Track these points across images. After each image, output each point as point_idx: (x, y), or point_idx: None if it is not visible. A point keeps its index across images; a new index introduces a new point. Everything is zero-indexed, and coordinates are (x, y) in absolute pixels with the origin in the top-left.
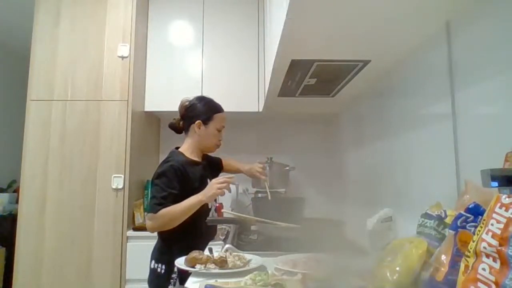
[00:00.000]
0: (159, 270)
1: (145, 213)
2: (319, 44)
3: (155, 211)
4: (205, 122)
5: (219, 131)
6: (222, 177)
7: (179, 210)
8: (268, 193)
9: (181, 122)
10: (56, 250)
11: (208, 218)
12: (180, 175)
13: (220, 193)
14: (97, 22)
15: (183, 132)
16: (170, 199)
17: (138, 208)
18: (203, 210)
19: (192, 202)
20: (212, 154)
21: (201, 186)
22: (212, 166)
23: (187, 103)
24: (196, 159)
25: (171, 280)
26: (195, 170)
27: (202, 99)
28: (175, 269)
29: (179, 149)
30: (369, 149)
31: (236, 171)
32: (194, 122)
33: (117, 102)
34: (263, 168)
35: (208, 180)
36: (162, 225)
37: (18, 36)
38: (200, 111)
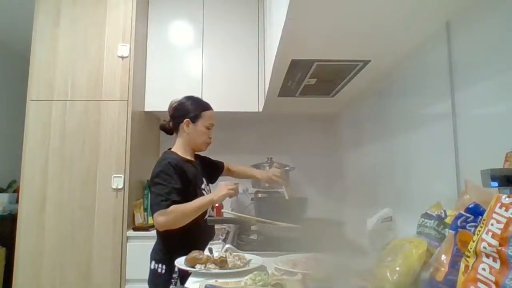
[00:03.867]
0: (159, 270)
1: (152, 213)
2: (319, 44)
3: (165, 207)
4: (193, 120)
5: (208, 129)
6: (229, 181)
7: (191, 208)
8: (285, 193)
9: (170, 123)
10: (56, 250)
11: (208, 218)
12: (178, 171)
13: (231, 194)
14: (97, 22)
15: (174, 133)
16: (175, 193)
17: (138, 208)
18: None
19: (203, 201)
20: (212, 157)
21: (196, 184)
22: (209, 168)
23: (175, 104)
24: (188, 157)
25: (172, 280)
26: (190, 168)
27: (190, 98)
28: (176, 269)
29: (171, 149)
30: (369, 149)
31: (249, 177)
32: (182, 121)
33: (117, 102)
34: (281, 172)
35: (204, 179)
36: (174, 221)
37: (18, 36)
38: (188, 109)
